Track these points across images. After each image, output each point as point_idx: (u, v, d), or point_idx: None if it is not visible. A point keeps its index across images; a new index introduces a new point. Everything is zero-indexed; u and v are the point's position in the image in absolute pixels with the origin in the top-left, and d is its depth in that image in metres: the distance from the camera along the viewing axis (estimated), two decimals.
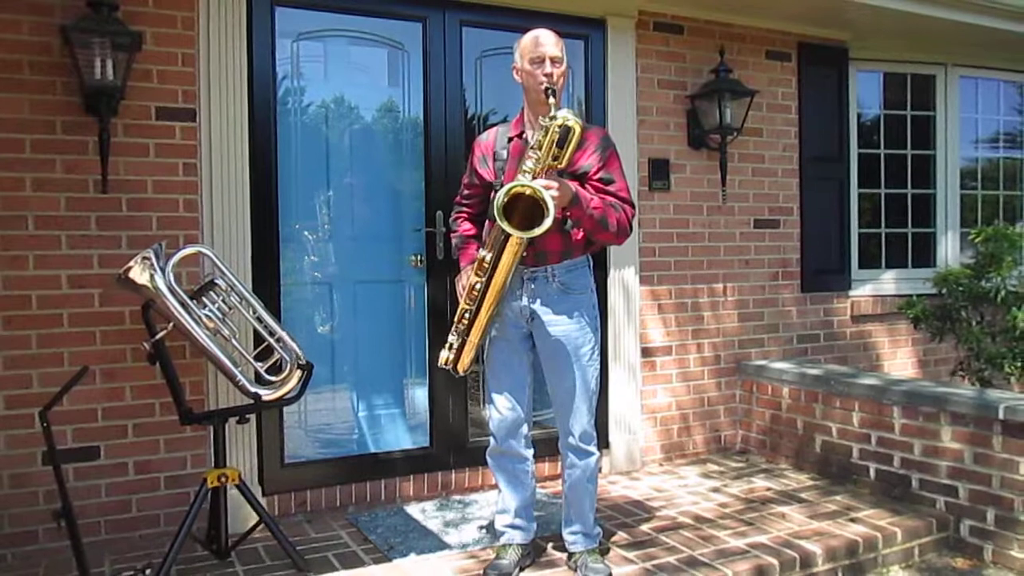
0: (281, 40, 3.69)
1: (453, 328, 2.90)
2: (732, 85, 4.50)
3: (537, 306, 2.87)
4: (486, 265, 2.76)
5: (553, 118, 2.66)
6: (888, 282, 5.31)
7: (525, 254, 2.78)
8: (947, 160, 5.50)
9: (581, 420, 2.93)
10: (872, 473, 3.91)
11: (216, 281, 3.12)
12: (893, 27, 4.94)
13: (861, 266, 5.27)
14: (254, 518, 3.16)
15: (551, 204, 2.58)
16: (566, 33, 4.14)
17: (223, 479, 3.07)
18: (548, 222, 2.58)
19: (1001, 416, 3.34)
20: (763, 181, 4.86)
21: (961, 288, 4.54)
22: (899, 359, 5.29)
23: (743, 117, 4.57)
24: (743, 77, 4.63)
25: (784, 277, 4.93)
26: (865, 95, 5.34)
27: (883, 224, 5.39)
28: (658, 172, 4.49)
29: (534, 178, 2.65)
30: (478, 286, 2.79)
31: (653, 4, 4.41)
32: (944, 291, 4.64)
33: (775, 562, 3.11)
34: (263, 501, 3.52)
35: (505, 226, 2.62)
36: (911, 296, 4.89)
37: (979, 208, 5.66)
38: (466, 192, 3.10)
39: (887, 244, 5.40)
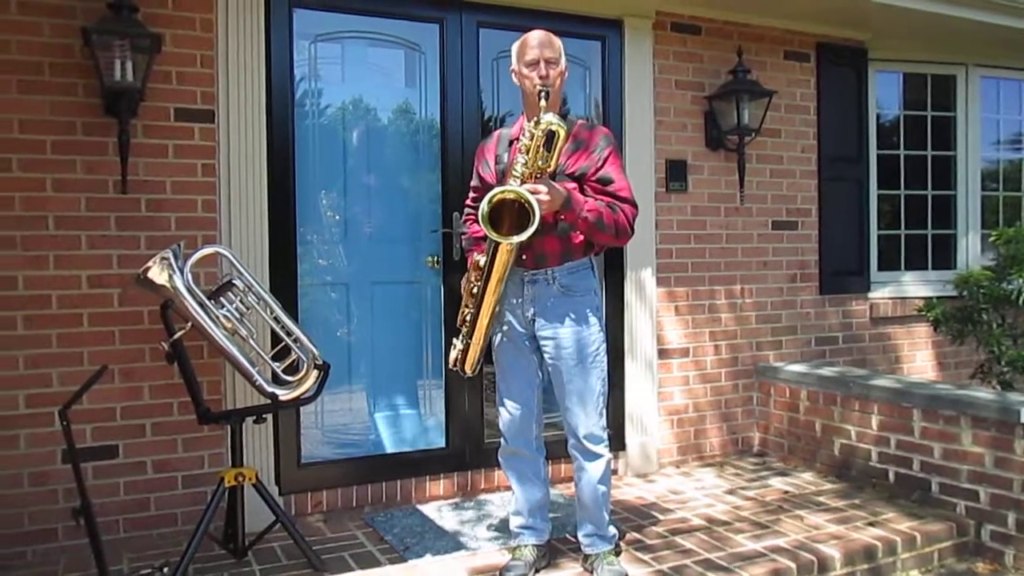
0: (299, 42, 3.71)
1: (461, 330, 2.91)
2: (750, 86, 4.48)
3: (538, 309, 2.87)
4: (481, 268, 2.77)
5: (538, 122, 2.65)
6: (908, 284, 5.26)
7: (524, 257, 2.79)
8: (968, 161, 5.45)
9: (587, 422, 2.91)
10: (891, 476, 3.88)
11: (234, 281, 3.13)
12: (913, 27, 4.89)
13: (880, 268, 5.23)
14: (271, 518, 3.17)
15: (537, 208, 2.58)
16: (583, 34, 4.18)
17: (240, 478, 3.09)
18: (533, 227, 2.58)
19: (1023, 420, 3.30)
20: (781, 182, 4.83)
21: (982, 290, 4.49)
22: (918, 362, 5.25)
23: (761, 118, 4.55)
24: (761, 78, 4.61)
25: (802, 279, 4.90)
26: (884, 96, 5.30)
27: (902, 226, 5.35)
28: (675, 173, 4.47)
29: (523, 182, 2.65)
30: (475, 289, 2.81)
31: (670, 5, 4.40)
32: (965, 293, 4.60)
33: (792, 565, 3.09)
34: (280, 501, 3.54)
35: (489, 232, 2.62)
36: (931, 298, 4.85)
37: (1000, 210, 5.61)
38: (473, 195, 3.12)
39: (906, 246, 5.35)
